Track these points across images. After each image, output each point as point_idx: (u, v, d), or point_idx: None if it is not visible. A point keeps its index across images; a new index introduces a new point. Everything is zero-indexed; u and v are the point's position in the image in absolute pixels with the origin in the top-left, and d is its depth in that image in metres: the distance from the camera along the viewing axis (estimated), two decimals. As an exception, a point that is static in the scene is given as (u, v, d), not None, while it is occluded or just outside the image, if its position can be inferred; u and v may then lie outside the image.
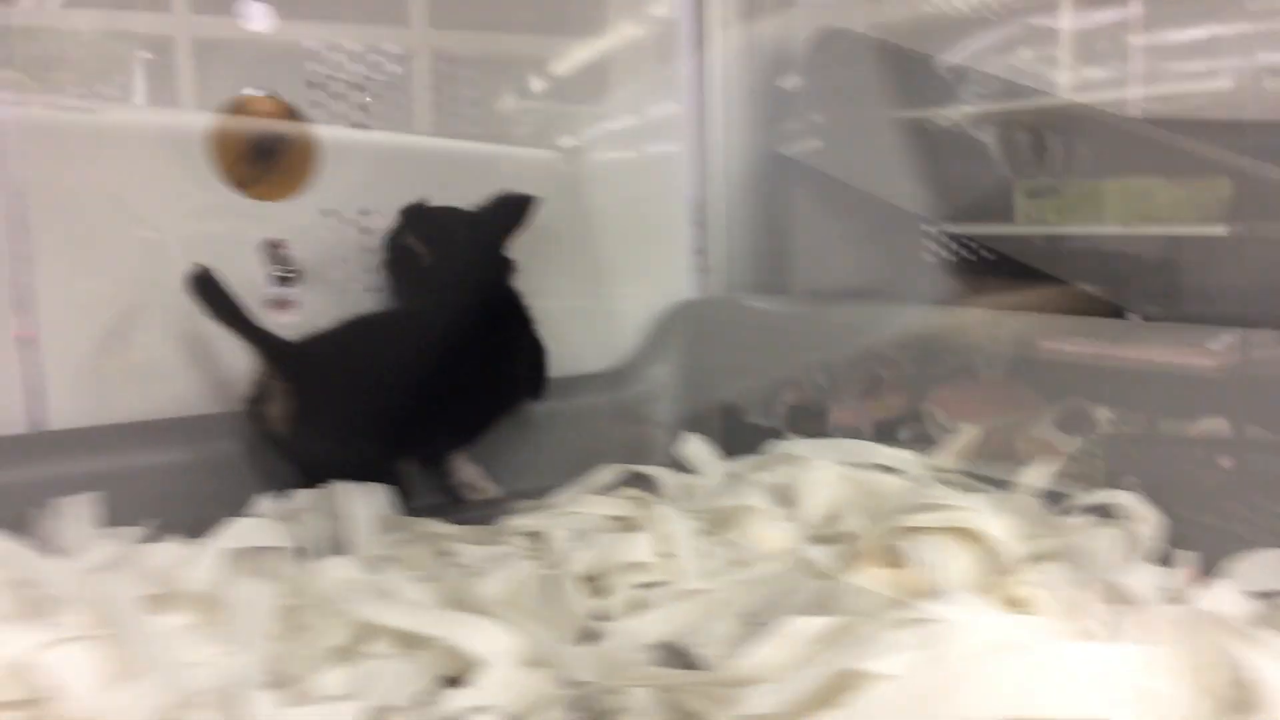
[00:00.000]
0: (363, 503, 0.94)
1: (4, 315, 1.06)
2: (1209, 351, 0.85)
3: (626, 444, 1.32)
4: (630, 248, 1.40)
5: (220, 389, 1.15)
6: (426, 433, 1.12)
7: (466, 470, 1.17)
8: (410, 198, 1.23)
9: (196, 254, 1.13)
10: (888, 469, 0.93)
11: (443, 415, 1.11)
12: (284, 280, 1.18)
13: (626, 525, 0.97)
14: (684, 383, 1.37)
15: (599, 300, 1.39)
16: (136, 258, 1.12)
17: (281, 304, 1.18)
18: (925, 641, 0.54)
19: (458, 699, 0.67)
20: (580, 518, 0.98)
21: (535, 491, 1.14)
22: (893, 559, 0.68)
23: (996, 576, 0.62)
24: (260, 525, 0.83)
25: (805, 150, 1.44)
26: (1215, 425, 0.86)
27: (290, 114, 1.19)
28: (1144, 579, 0.68)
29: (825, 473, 0.89)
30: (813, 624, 0.60)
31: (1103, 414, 0.91)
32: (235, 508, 0.93)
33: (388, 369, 1.07)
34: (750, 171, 1.47)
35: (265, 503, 0.95)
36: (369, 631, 0.74)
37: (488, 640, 0.71)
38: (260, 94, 1.17)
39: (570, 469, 1.18)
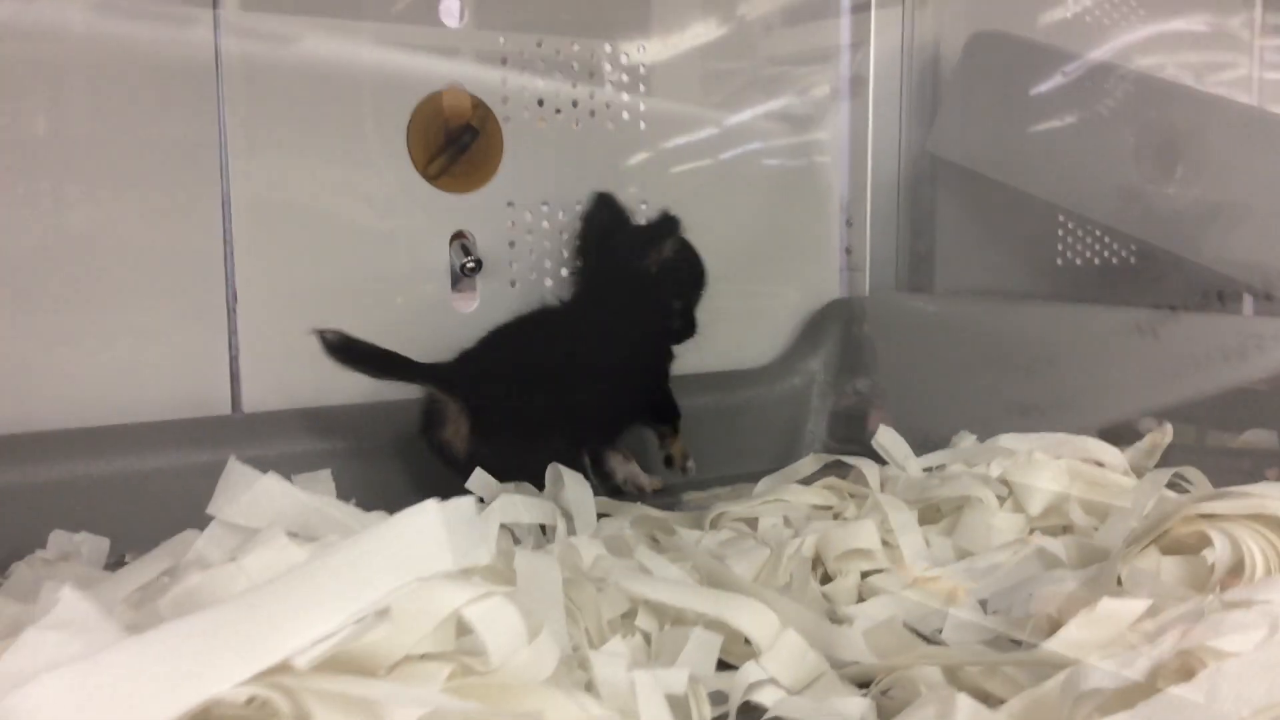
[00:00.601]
0: (579, 487, 0.97)
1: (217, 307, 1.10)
2: None
3: (783, 438, 1.35)
4: (784, 246, 1.43)
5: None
6: (595, 423, 1.14)
7: (626, 468, 1.19)
8: (587, 186, 1.26)
9: (392, 243, 1.17)
10: (1099, 463, 0.95)
11: (604, 406, 1.14)
12: (468, 270, 1.20)
13: (835, 514, 1.00)
14: (836, 378, 1.39)
15: (754, 299, 1.41)
16: (333, 246, 1.16)
17: (466, 294, 1.21)
18: (1256, 624, 0.56)
19: (748, 672, 0.69)
20: (788, 506, 1.00)
21: (700, 483, 1.18)
22: (1179, 547, 0.70)
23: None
24: (530, 503, 0.86)
25: (956, 150, 1.46)
26: None
27: (480, 108, 1.22)
28: None
29: (1048, 466, 0.91)
30: (1127, 605, 0.62)
31: None
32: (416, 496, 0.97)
33: (548, 368, 1.10)
34: (899, 171, 1.49)
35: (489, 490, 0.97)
36: (636, 608, 0.77)
37: (760, 619, 0.73)
38: (456, 88, 1.20)
39: (728, 460, 1.21)
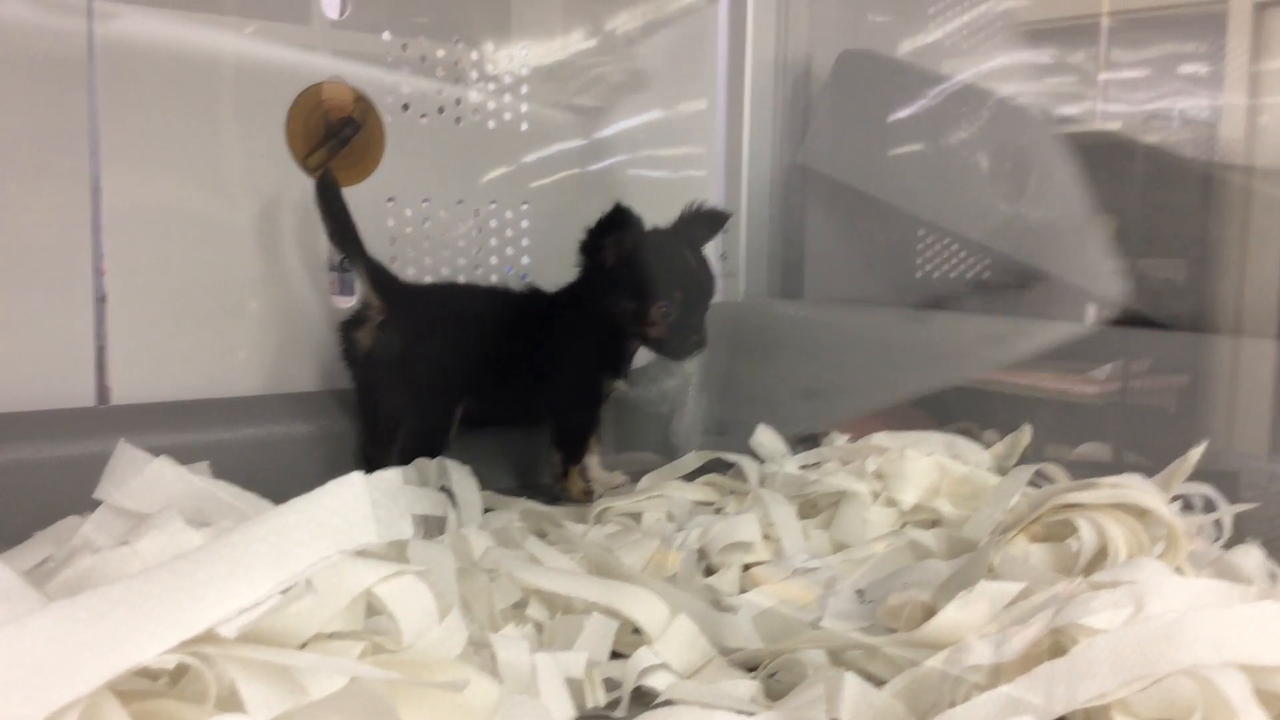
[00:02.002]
0: (467, 480, 0.97)
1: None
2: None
3: (660, 438, 1.38)
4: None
5: (277, 371, 1.17)
6: (480, 395, 1.14)
7: (594, 468, 1.20)
8: (469, 185, 1.27)
9: (270, 237, 1.15)
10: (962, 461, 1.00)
11: (496, 387, 1.14)
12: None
13: (717, 509, 1.02)
14: (713, 381, 1.42)
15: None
16: (209, 238, 1.13)
17: (342, 288, 1.20)
18: (1122, 603, 0.60)
19: (641, 657, 0.70)
20: (671, 501, 1.02)
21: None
22: (1046, 535, 0.74)
23: (1168, 550, 0.69)
24: (419, 493, 0.85)
25: (825, 163, 1.51)
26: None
27: (362, 101, 1.20)
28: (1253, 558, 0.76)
29: (920, 462, 0.95)
30: (1003, 587, 0.65)
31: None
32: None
33: (466, 328, 1.12)
34: (772, 181, 1.53)
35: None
36: (528, 598, 0.77)
37: (651, 607, 0.75)
38: (335, 80, 1.19)
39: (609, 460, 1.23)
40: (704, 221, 1.13)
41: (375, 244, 1.15)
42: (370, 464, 1.06)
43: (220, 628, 0.38)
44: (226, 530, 0.41)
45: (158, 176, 1.10)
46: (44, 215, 1.04)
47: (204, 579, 0.38)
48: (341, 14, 1.21)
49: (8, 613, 0.35)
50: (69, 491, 0.69)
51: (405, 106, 1.24)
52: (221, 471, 0.86)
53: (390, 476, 0.47)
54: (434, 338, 1.09)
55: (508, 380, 1.12)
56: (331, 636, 0.50)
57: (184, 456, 0.90)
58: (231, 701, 0.39)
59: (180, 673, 0.38)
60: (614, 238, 1.08)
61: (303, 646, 0.47)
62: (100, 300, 1.07)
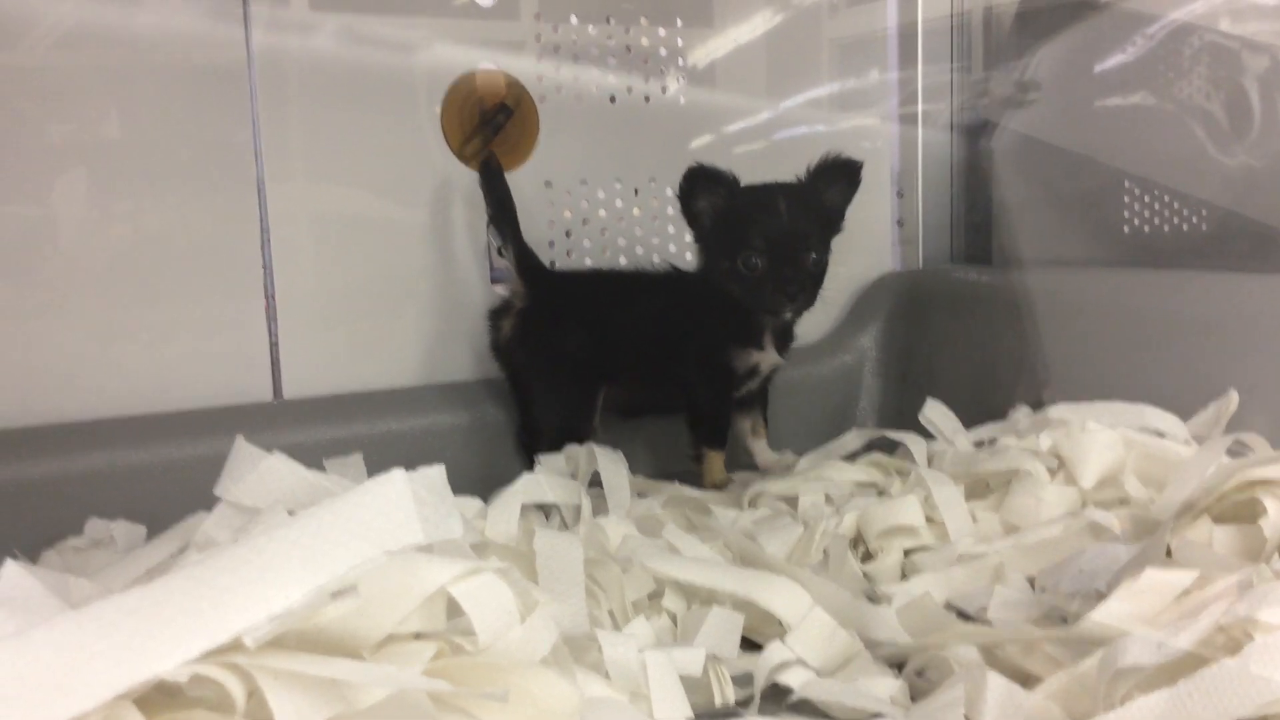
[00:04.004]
0: (616, 465, 0.94)
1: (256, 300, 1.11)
2: None
3: (834, 416, 1.32)
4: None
5: (437, 362, 1.18)
6: (622, 380, 1.12)
7: (760, 451, 1.16)
8: (628, 166, 1.24)
9: (428, 227, 1.17)
10: (1158, 433, 0.90)
11: (636, 371, 1.12)
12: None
13: (879, 491, 0.96)
14: (891, 358, 1.35)
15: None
16: (369, 233, 1.15)
17: (504, 281, 1.20)
18: (1311, 594, 0.52)
19: (773, 653, 0.66)
20: (830, 483, 0.97)
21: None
22: (1234, 515, 0.65)
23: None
24: (552, 482, 0.84)
25: (1012, 116, 1.41)
26: None
27: (514, 86, 1.20)
28: None
29: (1101, 436, 0.86)
30: (1172, 577, 0.58)
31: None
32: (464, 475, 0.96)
33: (604, 312, 1.11)
34: (952, 139, 1.44)
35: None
36: (663, 588, 0.74)
37: (790, 598, 0.70)
38: (490, 69, 1.19)
39: (777, 440, 1.18)
40: (833, 175, 1.03)
41: (533, 230, 1.15)
42: (527, 452, 1.06)
43: (246, 636, 0.37)
44: (254, 533, 0.40)
45: (318, 176, 1.13)
46: (215, 221, 1.09)
47: (228, 585, 0.37)
48: (490, 1, 1.21)
49: (25, 622, 0.34)
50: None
51: (559, 89, 1.23)
52: (381, 463, 0.87)
53: (434, 473, 0.45)
54: (573, 323, 1.08)
55: (647, 364, 1.09)
56: (416, 637, 0.49)
57: (349, 448, 0.93)
58: (266, 712, 0.37)
59: (206, 685, 0.37)
60: (705, 198, 1.02)
61: (376, 650, 0.46)
62: (270, 300, 1.11)
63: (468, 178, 1.17)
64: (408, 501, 0.42)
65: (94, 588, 0.47)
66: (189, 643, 0.36)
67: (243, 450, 0.63)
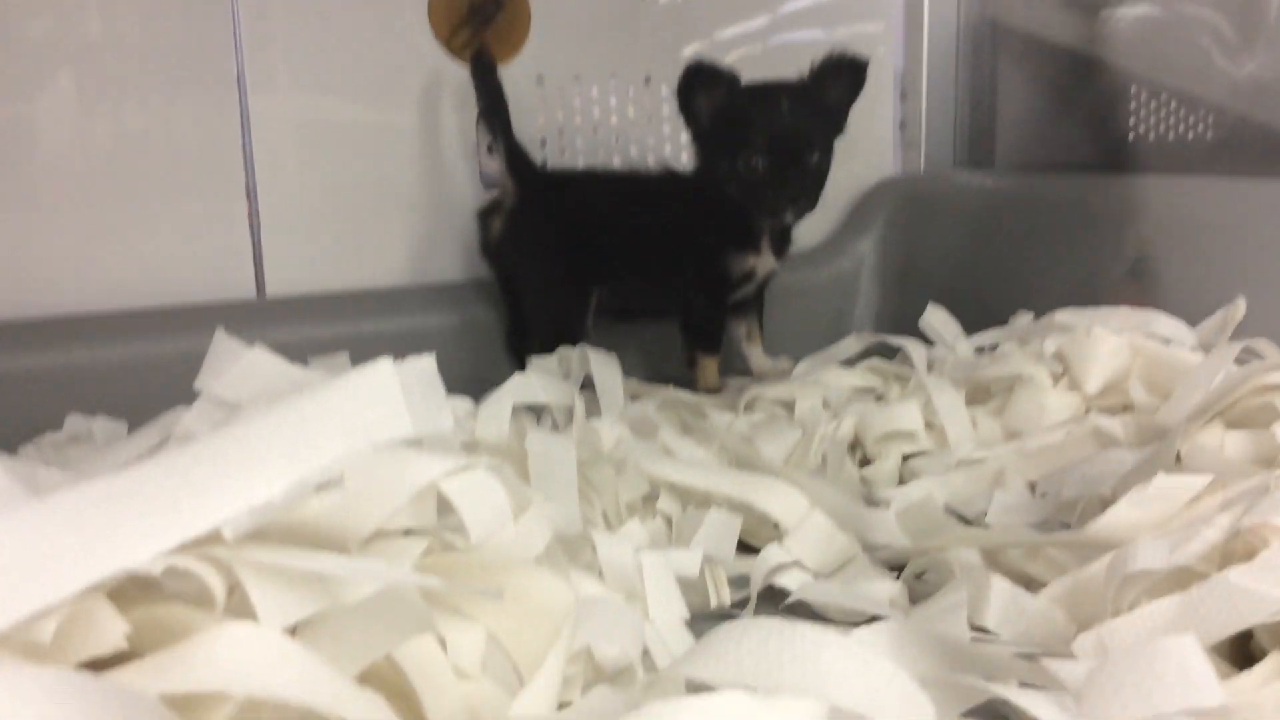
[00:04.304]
0: (609, 368, 0.92)
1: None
2: None
3: (831, 323, 1.29)
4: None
5: (425, 262, 1.16)
6: (615, 283, 1.09)
7: (755, 357, 1.14)
8: (623, 63, 1.20)
9: (415, 124, 1.13)
10: (1164, 339, 0.88)
11: (629, 273, 1.09)
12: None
13: (878, 396, 0.95)
14: (890, 264, 1.32)
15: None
16: (354, 128, 1.11)
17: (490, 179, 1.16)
18: (1329, 499, 0.50)
19: (770, 555, 0.65)
20: (828, 388, 0.95)
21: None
22: (1247, 421, 0.64)
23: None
24: (544, 382, 0.82)
25: (1019, 15, 1.36)
26: None
27: (504, -26, 1.15)
28: None
29: (1107, 342, 0.84)
30: (1183, 482, 0.56)
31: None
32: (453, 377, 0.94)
33: (596, 212, 1.07)
34: (958, 38, 1.40)
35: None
36: (658, 490, 0.73)
37: (787, 501, 0.69)
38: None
39: (772, 346, 1.16)
40: (837, 73, 0.99)
41: (524, 128, 1.11)
42: (518, 355, 1.04)
43: (224, 528, 0.35)
44: (234, 423, 0.37)
45: (301, 72, 1.08)
46: (195, 119, 1.05)
47: (205, 476, 0.35)
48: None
49: (-14, 513, 0.32)
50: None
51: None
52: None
53: (425, 363, 0.43)
54: (565, 224, 1.04)
55: (640, 267, 1.06)
56: (408, 534, 0.47)
57: (334, 348, 0.90)
58: (248, 607, 0.35)
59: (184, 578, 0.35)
60: (704, 96, 0.98)
61: (364, 545, 0.44)
62: (253, 198, 1.07)
63: (457, 73, 1.13)
64: (396, 392, 0.40)
65: (65, 477, 0.45)
66: (163, 534, 0.34)
67: (223, 343, 0.61)
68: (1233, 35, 1.22)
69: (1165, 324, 0.89)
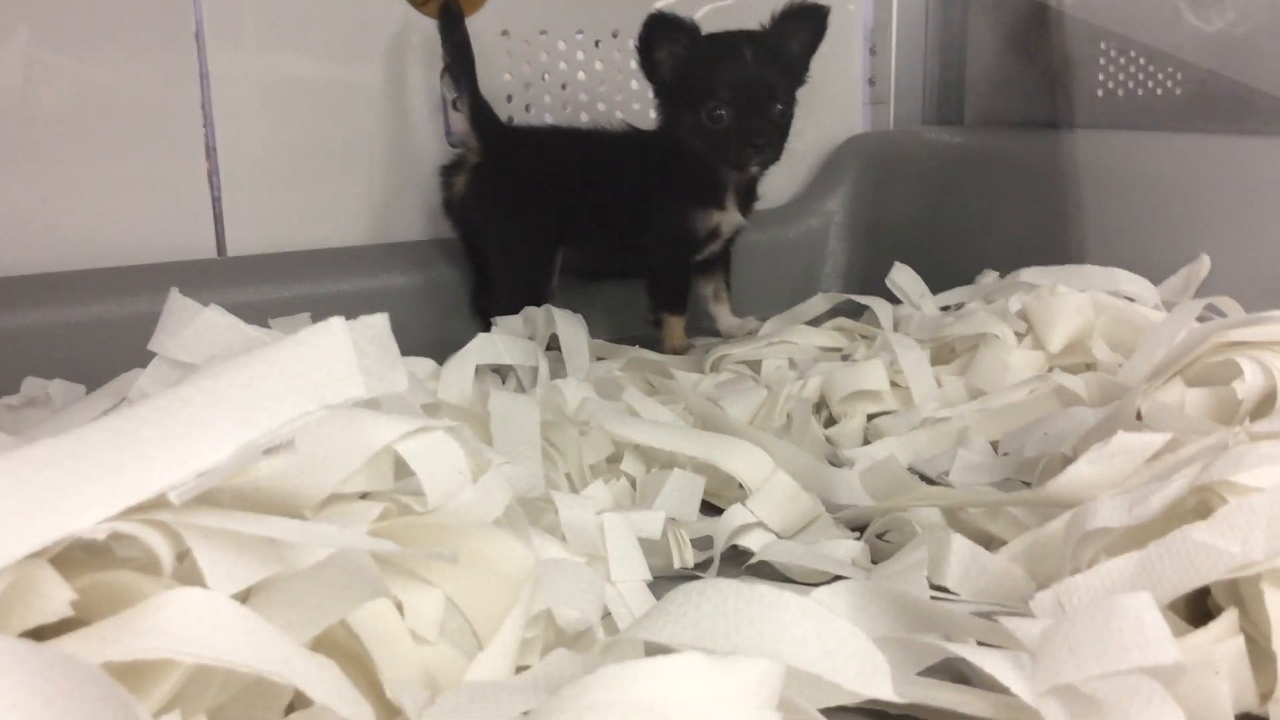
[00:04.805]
0: (574, 328, 0.92)
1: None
2: None
3: (799, 282, 1.29)
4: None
5: (389, 221, 1.14)
6: (580, 242, 1.08)
7: (723, 317, 1.14)
8: (590, 17, 1.19)
9: (380, 77, 1.11)
10: (1128, 298, 0.88)
11: (595, 232, 1.09)
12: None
13: (844, 355, 0.95)
14: (859, 221, 1.32)
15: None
16: (316, 82, 1.09)
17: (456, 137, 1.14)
18: (1284, 456, 0.50)
19: (734, 515, 0.65)
20: (795, 348, 0.95)
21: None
22: (1208, 378, 0.64)
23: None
24: (508, 343, 0.81)
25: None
26: None
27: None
28: None
29: (1071, 299, 0.84)
30: (1142, 439, 0.56)
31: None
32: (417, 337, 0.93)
33: (562, 170, 1.07)
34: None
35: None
36: (622, 452, 0.73)
37: (751, 461, 0.69)
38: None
39: (741, 305, 1.15)
40: (798, 22, 0.98)
41: (489, 83, 1.09)
42: (483, 315, 1.03)
43: (171, 492, 0.34)
44: (182, 384, 0.37)
45: (261, 26, 1.06)
46: (154, 75, 1.03)
47: (151, 438, 0.34)
48: None
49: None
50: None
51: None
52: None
53: (377, 321, 0.42)
54: (530, 181, 1.03)
55: (605, 225, 1.05)
56: (364, 498, 0.46)
57: (296, 308, 0.89)
58: (198, 573, 0.35)
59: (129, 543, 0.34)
60: (665, 48, 0.97)
61: (319, 510, 0.43)
62: (212, 155, 1.05)
63: (422, 28, 1.11)
64: (348, 352, 0.39)
65: (12, 441, 0.44)
66: (108, 499, 0.33)
67: (178, 303, 0.59)
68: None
69: (1129, 281, 0.89)
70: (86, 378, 0.90)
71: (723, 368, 0.93)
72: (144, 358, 0.59)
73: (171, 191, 1.05)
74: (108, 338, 0.95)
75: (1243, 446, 0.51)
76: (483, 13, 1.14)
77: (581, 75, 1.21)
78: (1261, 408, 0.60)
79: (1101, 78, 1.31)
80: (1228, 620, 0.47)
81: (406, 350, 0.50)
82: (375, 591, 0.37)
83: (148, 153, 1.04)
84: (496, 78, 1.15)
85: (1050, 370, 0.84)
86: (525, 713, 0.37)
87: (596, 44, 1.21)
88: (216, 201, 1.06)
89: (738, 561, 0.63)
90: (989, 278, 1.02)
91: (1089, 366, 0.84)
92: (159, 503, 0.34)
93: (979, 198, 1.22)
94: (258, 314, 0.68)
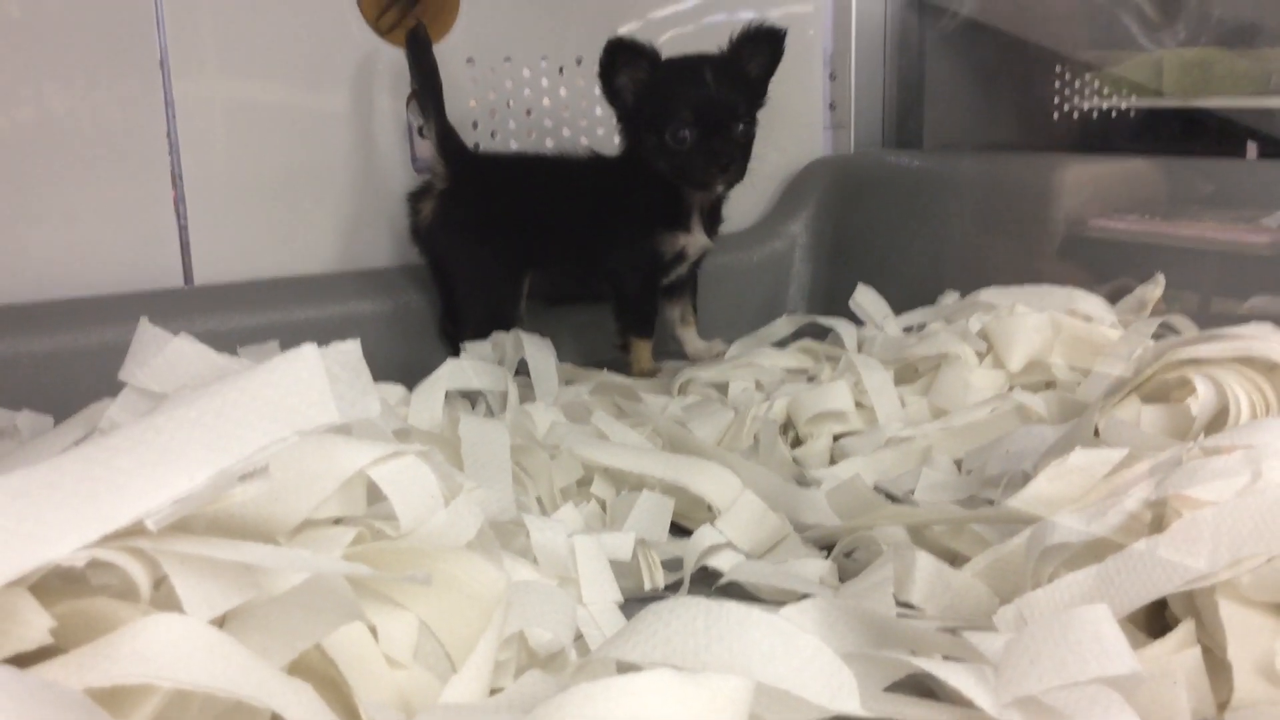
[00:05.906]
0: (543, 352, 0.92)
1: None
2: None
3: (764, 304, 1.30)
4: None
5: (357, 248, 1.15)
6: (547, 267, 1.09)
7: (690, 340, 1.14)
8: (554, 44, 1.20)
9: (345, 105, 1.12)
10: (1086, 317, 0.90)
11: (561, 257, 1.10)
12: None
13: (810, 377, 0.96)
14: (822, 243, 1.34)
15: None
16: (281, 111, 1.10)
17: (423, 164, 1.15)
18: (1237, 470, 0.52)
19: (703, 536, 0.65)
20: (761, 370, 0.96)
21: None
22: (1163, 395, 0.65)
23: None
24: (478, 368, 0.81)
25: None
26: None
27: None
28: None
29: (1029, 319, 0.86)
30: (1099, 456, 0.58)
31: None
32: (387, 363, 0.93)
33: (528, 196, 1.07)
34: (886, 18, 1.41)
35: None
36: (592, 475, 0.73)
37: (720, 482, 0.70)
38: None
39: (707, 328, 1.16)
40: (756, 44, 1.00)
41: (455, 110, 1.10)
42: (451, 340, 1.04)
43: (147, 519, 0.34)
44: (156, 413, 0.37)
45: (226, 55, 1.07)
46: (119, 103, 1.03)
47: (124, 466, 0.35)
48: None
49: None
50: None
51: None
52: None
53: (349, 348, 0.42)
54: (496, 207, 1.04)
55: (572, 250, 1.06)
56: (338, 523, 0.47)
57: (264, 336, 0.89)
58: (175, 599, 0.35)
59: (106, 571, 0.35)
60: (626, 73, 0.99)
61: (293, 535, 0.44)
62: (178, 183, 1.06)
63: (388, 55, 1.12)
64: (320, 378, 0.40)
65: (-18, 473, 0.44)
66: (85, 527, 0.33)
67: (148, 333, 0.60)
68: (1155, 14, 1.24)
69: (1086, 301, 0.91)
70: (53, 408, 0.90)
71: (690, 390, 0.94)
72: (111, 387, 0.59)
73: (138, 220, 1.05)
74: (76, 368, 0.95)
75: (1196, 461, 0.53)
76: (448, 41, 1.15)
77: (546, 101, 1.23)
78: (1214, 423, 0.62)
79: (1057, 100, 1.33)
80: (1184, 631, 0.48)
81: (376, 376, 0.50)
82: (350, 615, 0.38)
83: (113, 181, 1.04)
84: (462, 104, 1.16)
85: (1011, 389, 0.85)
86: (500, 733, 0.38)
87: (560, 71, 1.22)
88: (183, 230, 1.07)
89: (708, 582, 0.64)
90: (950, 298, 1.04)
91: (1048, 385, 0.86)
92: (135, 530, 0.35)
93: (939, 220, 1.24)
94: (226, 342, 0.68)
